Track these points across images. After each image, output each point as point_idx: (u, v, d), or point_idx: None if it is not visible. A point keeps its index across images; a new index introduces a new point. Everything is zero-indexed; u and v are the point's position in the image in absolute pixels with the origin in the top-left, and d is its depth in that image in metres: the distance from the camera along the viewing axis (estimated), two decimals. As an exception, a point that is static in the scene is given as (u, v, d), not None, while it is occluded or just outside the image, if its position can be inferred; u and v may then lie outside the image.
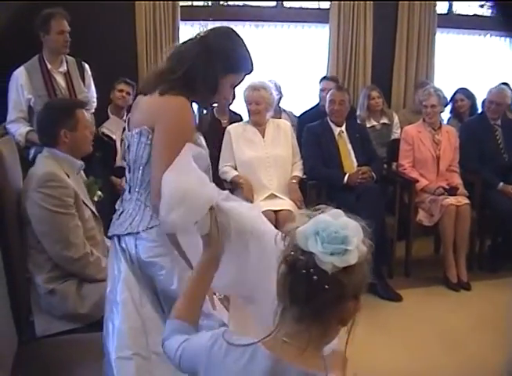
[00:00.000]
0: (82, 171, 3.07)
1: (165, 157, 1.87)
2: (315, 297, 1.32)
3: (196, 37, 2.12)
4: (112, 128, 4.94)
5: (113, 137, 4.90)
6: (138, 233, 2.12)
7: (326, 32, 6.07)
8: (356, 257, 1.31)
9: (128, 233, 2.14)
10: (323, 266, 1.29)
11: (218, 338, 1.45)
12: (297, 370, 1.34)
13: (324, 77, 5.72)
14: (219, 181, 4.67)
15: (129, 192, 2.21)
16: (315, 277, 1.29)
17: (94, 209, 2.99)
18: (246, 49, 2.14)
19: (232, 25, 5.58)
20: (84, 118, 2.93)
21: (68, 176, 2.80)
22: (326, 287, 1.30)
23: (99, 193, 3.28)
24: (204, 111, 2.23)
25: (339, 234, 1.32)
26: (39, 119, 3.06)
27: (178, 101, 2.01)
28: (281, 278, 1.36)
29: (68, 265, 2.74)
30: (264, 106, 4.58)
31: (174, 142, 1.89)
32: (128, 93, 5.11)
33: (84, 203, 2.88)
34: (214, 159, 4.74)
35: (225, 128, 4.81)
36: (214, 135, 4.91)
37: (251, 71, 2.17)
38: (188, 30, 5.74)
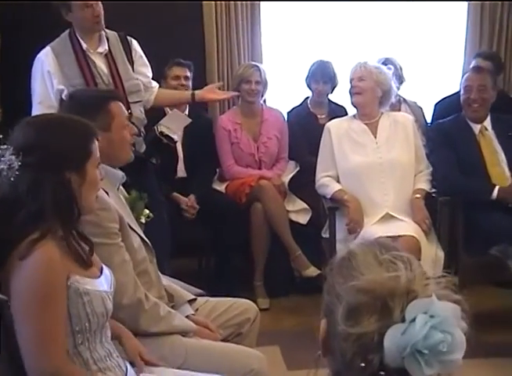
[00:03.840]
0: (121, 186, 2.64)
1: None
2: None
3: None
4: (171, 125, 4.09)
5: (174, 138, 4.04)
6: None
7: (463, 8, 5.29)
8: (461, 357, 1.13)
9: None
10: None
11: None
12: None
13: (478, 54, 4.79)
14: (317, 196, 4.12)
15: None
16: None
17: (142, 235, 2.54)
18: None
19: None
20: (121, 114, 2.56)
21: (107, 194, 2.37)
22: None
23: (147, 211, 2.79)
24: None
25: (445, 343, 1.09)
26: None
27: None
28: None
29: (115, 312, 2.22)
30: (370, 85, 3.78)
31: None
32: (186, 78, 4.43)
33: (131, 227, 2.44)
34: (310, 167, 4.18)
35: (324, 124, 4.11)
36: (309, 134, 4.48)
37: None
38: (271, 9, 5.10)
